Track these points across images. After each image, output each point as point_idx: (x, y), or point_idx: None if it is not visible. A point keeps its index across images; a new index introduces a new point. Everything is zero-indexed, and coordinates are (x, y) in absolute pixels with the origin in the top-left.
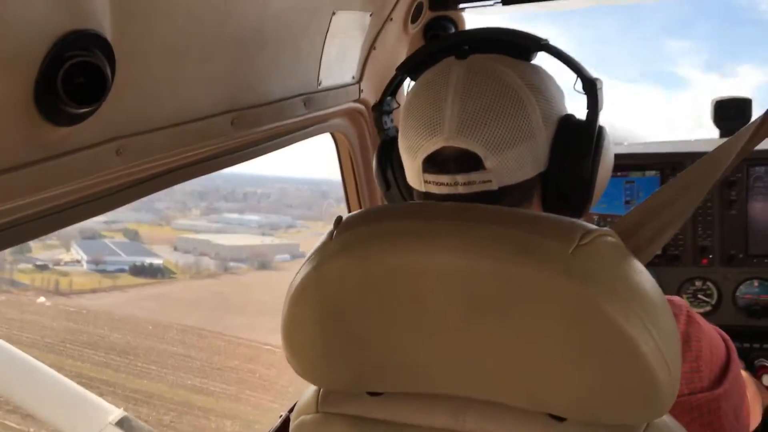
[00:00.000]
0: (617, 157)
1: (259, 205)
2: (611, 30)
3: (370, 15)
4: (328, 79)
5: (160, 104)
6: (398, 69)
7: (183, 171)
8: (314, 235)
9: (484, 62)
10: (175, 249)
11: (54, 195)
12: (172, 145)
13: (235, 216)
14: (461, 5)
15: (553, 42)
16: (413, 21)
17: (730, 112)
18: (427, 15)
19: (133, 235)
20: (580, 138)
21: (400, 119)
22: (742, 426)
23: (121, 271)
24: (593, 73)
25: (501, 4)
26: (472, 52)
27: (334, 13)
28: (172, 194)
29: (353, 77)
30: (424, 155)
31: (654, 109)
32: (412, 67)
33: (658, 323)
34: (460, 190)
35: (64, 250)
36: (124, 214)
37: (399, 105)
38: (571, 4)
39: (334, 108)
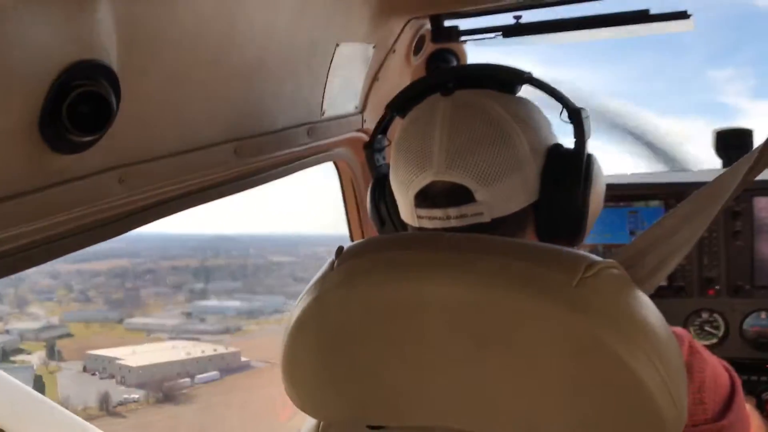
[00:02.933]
0: (621, 187)
1: (265, 281)
2: (649, 65)
3: (374, 47)
4: (331, 108)
5: (163, 133)
6: (387, 107)
7: (186, 199)
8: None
9: (469, 97)
10: (84, 370)
11: (57, 222)
12: (175, 173)
13: (213, 303)
14: (463, 38)
15: (586, 81)
16: (416, 53)
17: (732, 142)
18: (429, 47)
19: (50, 349)
20: (569, 167)
21: (391, 156)
22: None
23: None
24: (629, 107)
25: (502, 36)
26: (458, 88)
27: (337, 45)
28: (178, 272)
29: (356, 107)
30: (416, 190)
31: (703, 143)
32: (400, 104)
33: (664, 357)
34: (453, 223)
35: None
36: (77, 313)
37: (390, 142)
38: (568, 38)
39: (337, 137)
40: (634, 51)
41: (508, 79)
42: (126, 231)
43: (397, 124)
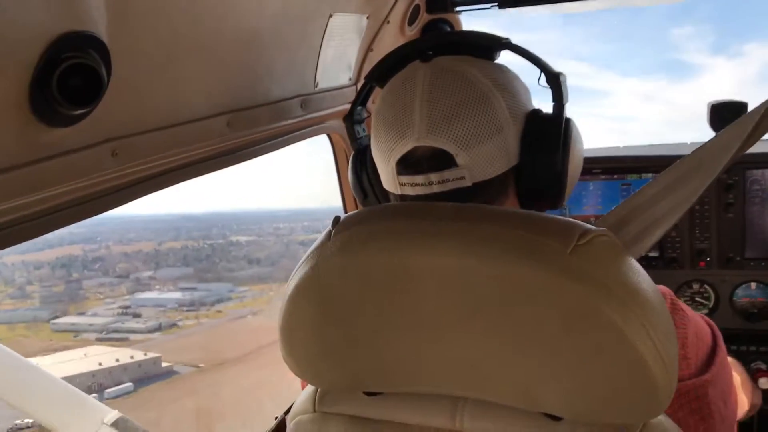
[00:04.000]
0: (614, 159)
1: (219, 265)
2: (612, 25)
3: (367, 17)
4: (325, 80)
5: (155, 105)
6: (366, 78)
7: (179, 172)
8: (230, 318)
9: (448, 63)
10: None
11: (50, 196)
12: (168, 146)
13: (152, 296)
14: (458, 8)
15: (554, 43)
16: (410, 23)
17: (726, 116)
18: (424, 18)
19: None
20: (548, 131)
21: (372, 126)
22: (730, 412)
23: None
24: (597, 69)
25: (497, 7)
26: (436, 55)
27: (331, 15)
28: (130, 259)
29: (350, 79)
30: (397, 157)
31: (667, 100)
32: (379, 74)
33: (656, 324)
34: (435, 189)
35: None
36: (2, 313)
37: (370, 114)
38: (567, 8)
39: (330, 109)
40: (597, 12)
41: (486, 45)
42: (119, 204)
43: (377, 96)
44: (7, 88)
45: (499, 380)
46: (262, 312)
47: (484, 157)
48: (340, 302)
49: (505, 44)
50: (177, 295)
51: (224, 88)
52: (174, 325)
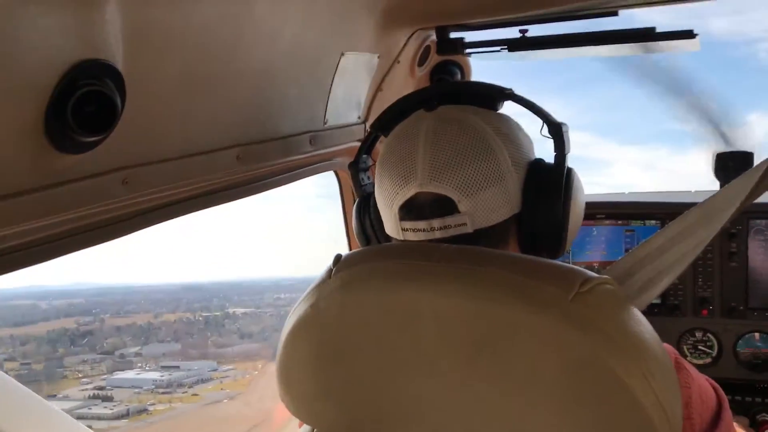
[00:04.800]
0: (618, 205)
1: (209, 339)
2: (614, 97)
3: (378, 57)
4: (334, 118)
5: (167, 136)
6: (371, 127)
7: (188, 203)
8: (205, 403)
9: (452, 112)
10: None
11: (60, 221)
12: (178, 176)
13: (130, 376)
14: (468, 50)
15: (555, 113)
16: (420, 64)
17: (731, 165)
18: (434, 59)
19: None
20: (549, 180)
21: (376, 172)
22: None
23: None
24: (598, 139)
25: (507, 50)
26: (441, 104)
27: (342, 54)
28: (121, 333)
29: (359, 117)
30: (400, 203)
31: (669, 170)
32: (383, 123)
33: (658, 375)
34: (437, 234)
35: None
36: None
37: (374, 162)
38: (575, 53)
39: (339, 146)
40: (599, 82)
41: (489, 95)
42: (128, 233)
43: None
44: (24, 113)
45: (497, 426)
46: (240, 396)
47: (486, 204)
48: (338, 341)
49: (508, 95)
50: (155, 375)
51: (235, 122)
52: (144, 410)
